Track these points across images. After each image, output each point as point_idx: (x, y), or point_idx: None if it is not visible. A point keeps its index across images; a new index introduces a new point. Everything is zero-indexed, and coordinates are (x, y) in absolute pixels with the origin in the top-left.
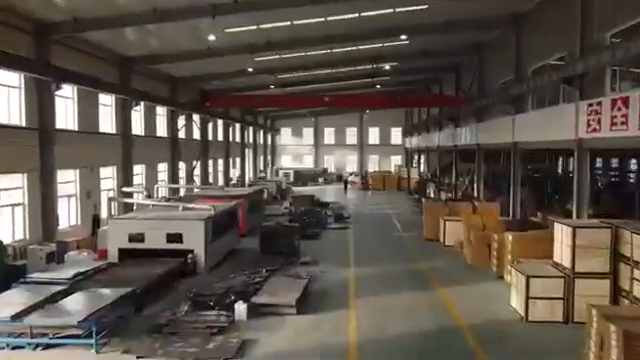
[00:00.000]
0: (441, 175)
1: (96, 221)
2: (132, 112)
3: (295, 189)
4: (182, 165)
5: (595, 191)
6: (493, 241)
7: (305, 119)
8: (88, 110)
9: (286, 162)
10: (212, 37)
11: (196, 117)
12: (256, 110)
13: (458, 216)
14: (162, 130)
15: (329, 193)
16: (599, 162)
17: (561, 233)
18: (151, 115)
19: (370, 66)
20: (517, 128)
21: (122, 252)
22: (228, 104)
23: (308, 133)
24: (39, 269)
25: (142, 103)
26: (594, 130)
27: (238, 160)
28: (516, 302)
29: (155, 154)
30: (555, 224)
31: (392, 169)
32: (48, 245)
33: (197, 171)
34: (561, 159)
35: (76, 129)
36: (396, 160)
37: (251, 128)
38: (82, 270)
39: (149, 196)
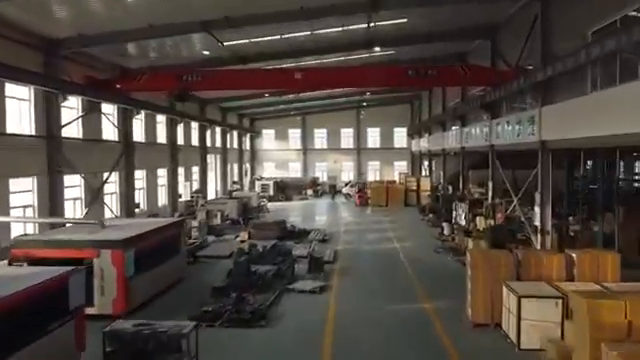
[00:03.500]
0: (463, 187)
1: None
2: None
3: (273, 206)
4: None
5: None
6: None
7: (291, 119)
8: None
9: (269, 170)
10: None
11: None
12: (226, 107)
13: (544, 282)
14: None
15: (317, 211)
16: None
17: None
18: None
19: (365, 25)
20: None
21: None
22: (150, 86)
23: (295, 135)
24: None
25: None
26: None
27: (196, 170)
28: None
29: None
30: None
31: (396, 178)
32: None
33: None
34: None
35: None
36: (400, 167)
37: (218, 129)
38: None
39: None
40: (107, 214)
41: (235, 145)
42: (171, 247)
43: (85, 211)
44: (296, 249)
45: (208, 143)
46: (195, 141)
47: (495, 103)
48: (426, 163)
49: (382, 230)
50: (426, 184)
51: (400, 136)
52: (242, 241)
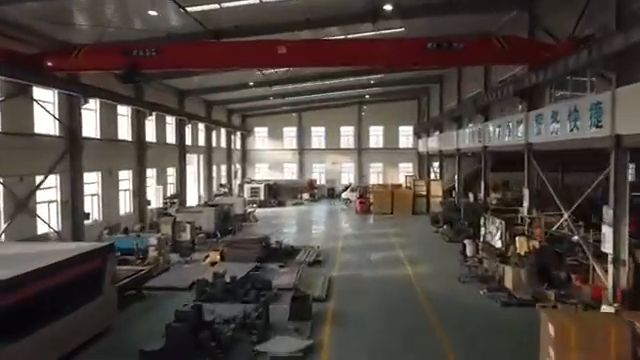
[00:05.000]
0: (485, 194)
1: None
2: None
3: (264, 213)
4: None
5: None
6: None
7: (285, 116)
8: None
9: (262, 172)
10: None
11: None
12: (212, 101)
13: None
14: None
15: (312, 219)
16: None
17: None
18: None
19: None
20: None
21: None
22: (89, 64)
23: (290, 134)
24: None
25: None
26: None
27: (172, 171)
28: None
29: None
30: None
31: (402, 181)
32: None
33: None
34: None
35: None
36: (406, 169)
37: (202, 125)
38: None
39: None
40: (41, 228)
41: (223, 144)
42: (86, 288)
43: (4, 226)
44: (278, 277)
45: (188, 141)
46: (171, 138)
47: (535, 89)
48: (435, 165)
49: (388, 247)
50: (437, 189)
51: (406, 135)
52: (212, 263)
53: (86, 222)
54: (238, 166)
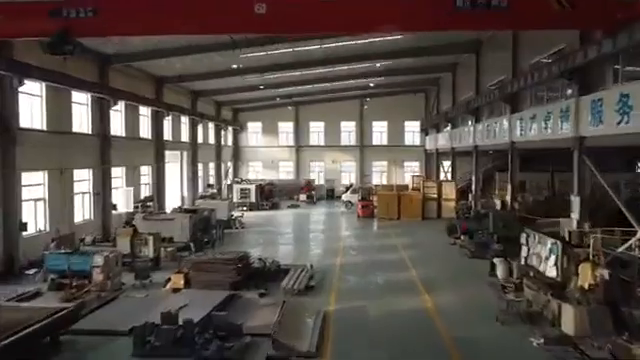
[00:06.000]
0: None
1: None
2: None
3: (255, 217)
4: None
5: None
6: None
7: (281, 110)
8: None
9: (255, 171)
10: None
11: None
12: (198, 91)
13: None
14: None
15: (307, 226)
16: None
17: None
18: None
19: None
20: None
21: None
22: (7, 29)
23: (286, 130)
24: None
25: None
26: None
27: (148, 170)
28: None
29: None
30: None
31: (409, 182)
32: None
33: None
34: None
35: None
36: (412, 168)
37: (185, 119)
38: None
39: None
40: None
41: (212, 140)
42: None
43: None
44: (255, 314)
45: (168, 136)
46: (146, 132)
47: (592, 67)
48: (446, 164)
49: (398, 264)
50: (450, 191)
51: (412, 131)
52: (175, 290)
53: (24, 233)
54: (229, 164)
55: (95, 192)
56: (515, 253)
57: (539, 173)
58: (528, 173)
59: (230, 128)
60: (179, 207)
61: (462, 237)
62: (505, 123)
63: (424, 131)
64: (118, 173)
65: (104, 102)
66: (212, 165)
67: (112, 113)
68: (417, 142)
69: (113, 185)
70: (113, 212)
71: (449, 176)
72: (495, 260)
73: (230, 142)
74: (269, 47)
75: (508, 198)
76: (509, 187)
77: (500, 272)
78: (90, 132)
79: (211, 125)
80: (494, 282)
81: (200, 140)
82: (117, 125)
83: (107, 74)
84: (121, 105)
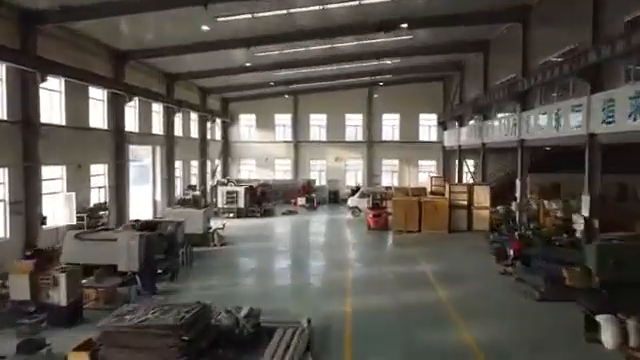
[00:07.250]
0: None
1: None
2: None
3: (239, 228)
4: None
5: None
6: None
7: (278, 100)
8: None
9: (248, 170)
10: None
11: None
12: (175, 74)
13: None
14: None
15: (304, 242)
16: None
17: None
18: None
19: None
20: None
21: None
22: None
23: (284, 123)
24: None
25: None
26: None
27: (103, 169)
28: None
29: None
30: None
31: (427, 183)
32: None
33: None
34: None
35: None
36: (428, 167)
37: (158, 107)
38: None
39: None
40: None
41: (195, 134)
42: None
43: None
44: None
45: (133, 127)
46: (101, 122)
47: None
48: (470, 163)
49: (436, 314)
50: (484, 197)
51: (428, 125)
52: None
53: None
54: (218, 162)
55: (12, 200)
56: (632, 305)
57: (570, 174)
58: (559, 174)
59: (218, 120)
60: (135, 220)
61: (514, 264)
62: (579, 108)
63: (442, 125)
64: (55, 173)
65: (29, 76)
66: (195, 163)
67: (46, 94)
68: (434, 138)
69: (45, 190)
70: (43, 227)
71: (469, 177)
72: (600, 319)
73: (219, 136)
74: (251, 2)
75: (553, 206)
76: (585, 198)
77: (609, 337)
78: (5, 118)
79: (194, 116)
80: (599, 352)
81: (179, 133)
82: (54, 110)
83: (33, 37)
84: (59, 83)
